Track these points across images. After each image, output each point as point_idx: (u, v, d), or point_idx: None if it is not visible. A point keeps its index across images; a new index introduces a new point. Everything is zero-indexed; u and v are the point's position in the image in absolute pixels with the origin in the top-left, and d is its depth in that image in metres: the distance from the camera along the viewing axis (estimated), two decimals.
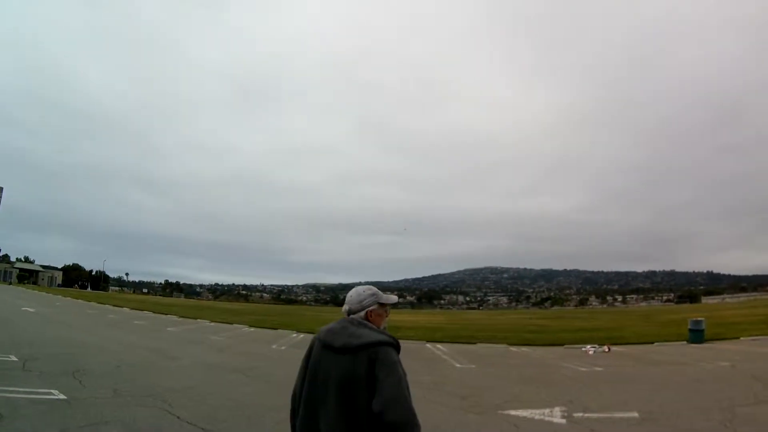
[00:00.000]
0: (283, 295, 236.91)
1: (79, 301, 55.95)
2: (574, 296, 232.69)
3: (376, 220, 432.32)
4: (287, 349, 21.65)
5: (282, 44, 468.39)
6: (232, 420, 8.87)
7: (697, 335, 25.00)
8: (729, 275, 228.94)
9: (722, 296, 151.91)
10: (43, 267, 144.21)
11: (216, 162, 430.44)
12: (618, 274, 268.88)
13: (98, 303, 53.06)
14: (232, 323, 36.36)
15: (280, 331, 31.54)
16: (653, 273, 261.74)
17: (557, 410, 10.06)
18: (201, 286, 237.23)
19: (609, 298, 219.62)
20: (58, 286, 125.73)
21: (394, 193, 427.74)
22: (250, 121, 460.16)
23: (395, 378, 2.81)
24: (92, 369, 13.07)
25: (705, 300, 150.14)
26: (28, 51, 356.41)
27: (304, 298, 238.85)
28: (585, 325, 40.94)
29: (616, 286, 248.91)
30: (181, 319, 38.41)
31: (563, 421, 9.35)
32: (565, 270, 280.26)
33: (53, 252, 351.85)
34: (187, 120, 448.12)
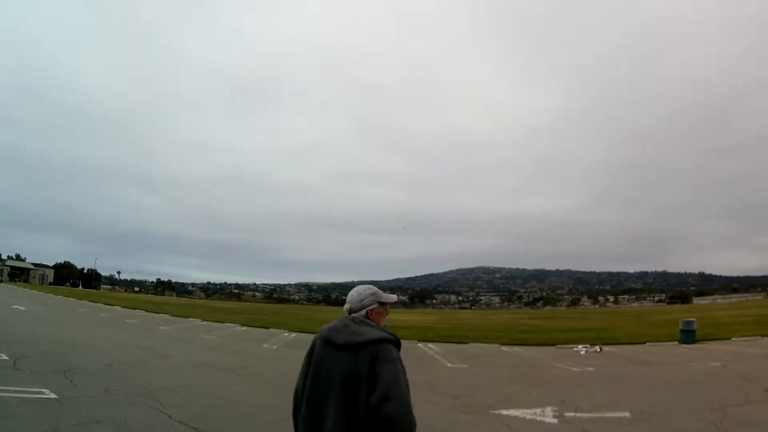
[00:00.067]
0: (275, 294, 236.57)
1: (71, 299, 55.72)
2: (567, 296, 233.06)
3: (369, 219, 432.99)
4: (279, 348, 21.64)
5: (279, 44, 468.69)
6: (224, 419, 8.85)
7: (688, 336, 25.10)
8: (721, 276, 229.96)
9: (714, 297, 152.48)
10: (35, 265, 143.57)
11: (209, 161, 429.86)
12: (610, 274, 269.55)
13: (89, 301, 52.87)
14: (224, 322, 36.27)
15: (272, 330, 31.49)
16: (645, 273, 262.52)
17: (549, 410, 10.07)
18: (193, 284, 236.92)
19: (601, 298, 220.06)
20: (50, 284, 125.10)
21: (387, 192, 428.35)
22: (245, 120, 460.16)
23: (393, 373, 2.85)
24: (83, 368, 13.03)
25: (696, 301, 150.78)
26: (27, 50, 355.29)
27: (297, 297, 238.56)
28: (577, 325, 41.07)
29: (608, 287, 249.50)
30: (172, 317, 38.33)
31: (555, 420, 9.37)
32: (558, 270, 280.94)
33: (45, 250, 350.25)
34: (181, 118, 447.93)
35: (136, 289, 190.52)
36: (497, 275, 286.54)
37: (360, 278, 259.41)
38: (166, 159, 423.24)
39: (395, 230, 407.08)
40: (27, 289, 75.41)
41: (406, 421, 2.76)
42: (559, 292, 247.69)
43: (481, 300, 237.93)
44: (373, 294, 3.24)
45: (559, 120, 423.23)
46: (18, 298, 47.38)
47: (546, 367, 17.63)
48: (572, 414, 9.81)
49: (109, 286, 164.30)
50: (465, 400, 11.45)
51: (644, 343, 25.92)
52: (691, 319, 26.15)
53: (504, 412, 9.97)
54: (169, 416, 8.62)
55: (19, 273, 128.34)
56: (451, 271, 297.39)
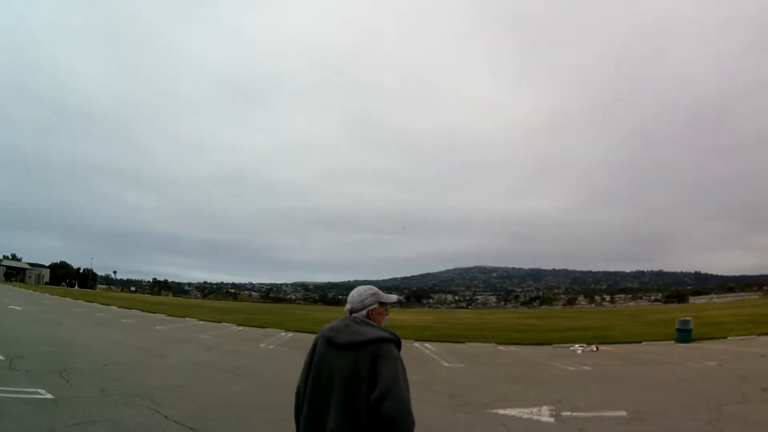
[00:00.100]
0: (271, 294, 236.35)
1: (67, 299, 55.58)
2: (563, 296, 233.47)
3: (366, 219, 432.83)
4: (276, 348, 21.61)
5: (278, 43, 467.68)
6: (221, 419, 8.84)
7: (684, 335, 25.15)
8: (717, 275, 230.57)
9: (710, 296, 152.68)
10: (31, 265, 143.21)
11: (206, 160, 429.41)
12: (606, 273, 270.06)
13: (86, 301, 52.76)
14: (220, 322, 36.25)
15: (268, 329, 31.45)
16: (641, 273, 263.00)
17: (545, 409, 10.08)
18: (189, 284, 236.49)
19: (597, 297, 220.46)
20: (46, 284, 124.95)
21: (384, 192, 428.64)
22: (243, 120, 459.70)
23: (394, 372, 2.90)
24: (80, 368, 13.01)
25: (692, 300, 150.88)
26: (22, 48, 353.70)
27: (293, 296, 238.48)
28: (573, 325, 41.08)
29: (604, 286, 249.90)
30: (169, 317, 38.25)
31: (551, 420, 9.38)
32: (554, 269, 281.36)
33: (41, 250, 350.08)
34: (179, 118, 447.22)
35: (133, 288, 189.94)
36: (494, 275, 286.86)
37: (356, 278, 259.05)
38: (163, 158, 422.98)
39: (392, 230, 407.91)
40: (23, 289, 75.22)
41: (406, 419, 2.81)
42: (556, 291, 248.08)
43: (478, 299, 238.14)
44: (373, 294, 3.30)
45: (556, 120, 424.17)
46: (14, 298, 47.28)
47: (542, 367, 17.63)
48: (569, 413, 9.82)
49: (105, 286, 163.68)
50: (462, 399, 11.45)
51: (640, 342, 25.95)
52: (687, 319, 26.21)
53: (501, 411, 9.97)
54: (166, 416, 8.61)
55: (15, 273, 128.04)
56: (448, 271, 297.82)
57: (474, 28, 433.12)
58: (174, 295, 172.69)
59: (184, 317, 38.57)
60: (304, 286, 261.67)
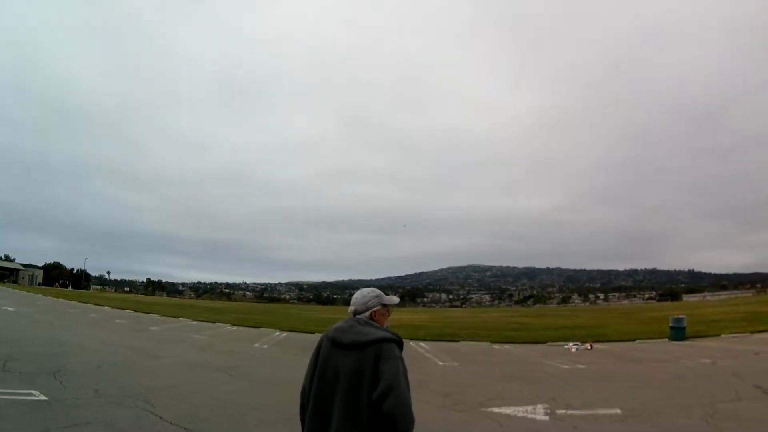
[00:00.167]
0: (265, 294, 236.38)
1: (60, 300, 55.42)
2: (557, 294, 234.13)
3: (360, 217, 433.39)
4: (270, 348, 21.57)
5: (277, 43, 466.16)
6: (215, 419, 8.82)
7: (678, 333, 25.25)
8: (710, 274, 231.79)
9: (703, 294, 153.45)
10: (24, 265, 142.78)
11: (201, 159, 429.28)
12: (600, 272, 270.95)
13: (79, 302, 52.59)
14: (214, 322, 36.17)
15: (262, 329, 31.42)
16: (635, 271, 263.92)
17: (540, 407, 10.09)
18: (183, 284, 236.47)
19: (591, 296, 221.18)
20: (39, 284, 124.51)
21: (379, 191, 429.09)
22: (239, 119, 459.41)
23: (395, 372, 3.02)
24: (73, 369, 12.95)
25: (686, 298, 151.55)
26: (22, 48, 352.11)
27: (287, 296, 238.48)
28: (567, 323, 41.17)
29: (598, 284, 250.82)
30: (163, 317, 38.18)
31: (546, 418, 9.39)
32: (548, 268, 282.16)
33: (34, 250, 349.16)
34: (171, 116, 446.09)
35: (127, 289, 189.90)
36: (488, 273, 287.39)
37: (351, 277, 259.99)
38: (158, 157, 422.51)
39: (387, 229, 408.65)
40: (16, 290, 74.95)
41: (406, 418, 2.92)
42: (550, 289, 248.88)
43: (472, 298, 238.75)
44: (376, 296, 3.46)
45: (553, 119, 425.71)
46: (7, 299, 47.01)
47: (537, 365, 17.66)
48: (563, 411, 9.83)
49: (98, 287, 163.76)
50: (456, 398, 11.46)
51: (634, 340, 26.05)
52: (680, 317, 26.32)
53: (495, 409, 9.98)
54: (160, 417, 8.59)
55: (7, 274, 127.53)
56: (442, 270, 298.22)
57: (474, 28, 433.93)
58: (168, 295, 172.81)
59: (178, 317, 38.47)
60: (298, 286, 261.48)
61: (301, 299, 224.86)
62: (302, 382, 3.43)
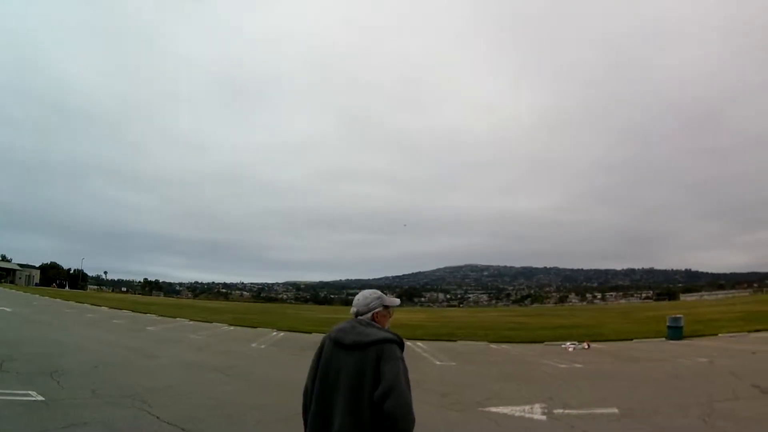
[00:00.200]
0: (263, 293, 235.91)
1: (57, 300, 55.23)
2: (554, 294, 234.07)
3: (358, 217, 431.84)
4: (267, 348, 21.58)
5: (276, 43, 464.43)
6: (212, 419, 8.82)
7: (675, 332, 25.27)
8: (707, 273, 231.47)
9: (700, 294, 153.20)
10: (21, 266, 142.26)
11: (199, 159, 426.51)
12: (597, 271, 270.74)
13: (76, 302, 52.44)
14: (211, 322, 36.15)
15: (259, 329, 31.38)
16: (632, 271, 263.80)
17: (537, 407, 10.11)
18: (180, 284, 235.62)
19: (588, 295, 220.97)
20: (36, 285, 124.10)
21: (377, 191, 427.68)
22: (234, 118, 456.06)
23: (396, 372, 3.09)
24: (70, 369, 12.95)
25: (683, 297, 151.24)
26: (21, 48, 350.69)
27: (285, 296, 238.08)
28: (565, 323, 41.16)
29: (595, 284, 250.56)
30: (160, 317, 38.12)
31: (543, 417, 9.40)
32: (545, 268, 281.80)
33: (31, 250, 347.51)
34: (169, 115, 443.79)
35: (123, 289, 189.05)
36: (485, 273, 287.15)
37: (348, 277, 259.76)
38: (155, 157, 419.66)
39: (384, 229, 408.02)
40: (13, 290, 74.75)
41: (407, 418, 3.00)
42: (547, 289, 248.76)
43: (469, 298, 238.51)
44: (378, 298, 3.53)
45: (552, 119, 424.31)
46: (4, 300, 46.88)
47: (534, 365, 17.67)
48: (561, 411, 9.85)
49: (95, 287, 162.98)
50: (454, 397, 11.47)
51: (632, 339, 26.08)
52: (678, 316, 26.34)
53: (493, 409, 9.99)
54: (157, 417, 8.58)
55: (4, 274, 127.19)
56: (439, 269, 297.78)
57: (474, 28, 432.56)
58: (165, 295, 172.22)
59: (175, 317, 38.41)
60: (295, 286, 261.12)
61: (298, 299, 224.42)
62: (305, 382, 3.49)
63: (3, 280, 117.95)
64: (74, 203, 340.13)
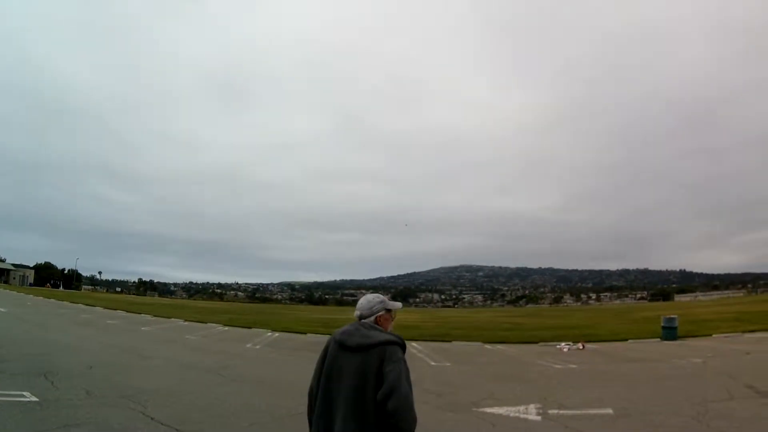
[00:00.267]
0: (258, 294, 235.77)
1: (51, 300, 55.10)
2: (549, 294, 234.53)
3: (352, 218, 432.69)
4: (262, 348, 21.54)
5: (266, 42, 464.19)
6: (207, 420, 8.80)
7: (670, 332, 25.35)
8: (701, 274, 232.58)
9: (695, 294, 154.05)
10: (15, 266, 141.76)
11: (193, 158, 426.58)
12: (592, 272, 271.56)
13: (70, 302, 52.31)
14: (206, 322, 36.03)
15: (254, 329, 31.32)
16: (627, 271, 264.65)
17: (532, 407, 10.11)
18: (175, 284, 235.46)
19: (583, 296, 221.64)
20: (30, 285, 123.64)
21: (372, 191, 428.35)
22: (229, 118, 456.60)
23: (398, 373, 3.24)
24: (64, 370, 12.89)
25: (678, 298, 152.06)
26: (9, 43, 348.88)
27: (279, 296, 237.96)
28: (559, 323, 41.27)
29: (590, 285, 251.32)
30: (154, 318, 38.05)
31: (538, 418, 9.40)
32: (540, 268, 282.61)
33: (25, 250, 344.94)
34: (164, 115, 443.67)
35: (118, 289, 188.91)
36: (480, 273, 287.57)
37: (343, 277, 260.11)
38: (149, 156, 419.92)
39: (379, 229, 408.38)
40: (7, 291, 74.49)
41: (408, 417, 3.17)
42: (542, 290, 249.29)
43: (464, 298, 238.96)
44: (381, 302, 3.67)
45: (545, 119, 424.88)
46: None
47: (529, 365, 17.70)
48: (556, 411, 9.85)
49: (90, 287, 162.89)
50: (449, 398, 11.47)
51: (626, 340, 26.13)
52: (672, 316, 26.41)
53: (488, 410, 9.99)
54: (152, 418, 8.56)
55: None
56: (434, 270, 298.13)
57: (465, 27, 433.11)
58: (160, 295, 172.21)
59: (170, 318, 38.36)
60: (290, 286, 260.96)
61: (293, 299, 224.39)
62: (308, 383, 3.60)
63: None
64: (69, 203, 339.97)
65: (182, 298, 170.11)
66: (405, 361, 3.39)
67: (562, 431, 8.64)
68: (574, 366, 17.10)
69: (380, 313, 3.63)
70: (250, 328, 32.39)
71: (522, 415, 9.56)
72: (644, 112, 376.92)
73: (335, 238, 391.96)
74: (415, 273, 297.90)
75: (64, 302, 51.93)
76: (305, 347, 22.26)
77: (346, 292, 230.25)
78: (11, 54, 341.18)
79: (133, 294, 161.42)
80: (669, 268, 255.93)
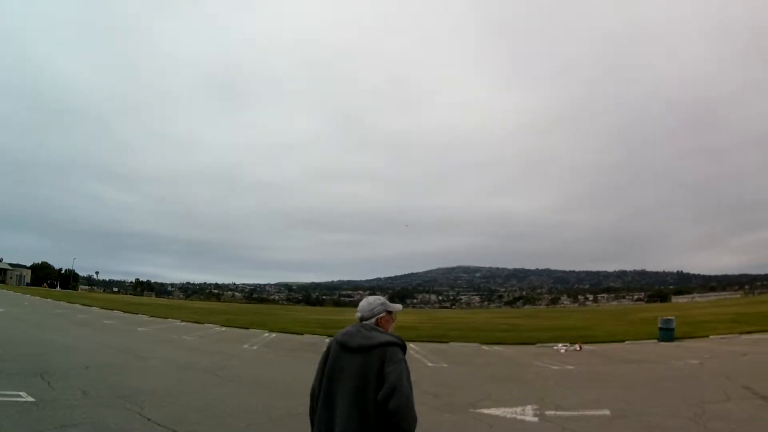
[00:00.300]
0: (255, 294, 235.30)
1: (48, 300, 55.01)
2: (546, 295, 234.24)
3: (350, 218, 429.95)
4: (259, 349, 21.55)
5: (264, 41, 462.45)
6: (204, 421, 8.80)
7: (667, 334, 25.34)
8: (699, 275, 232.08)
9: (692, 295, 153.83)
10: (12, 265, 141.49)
11: (191, 158, 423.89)
12: (589, 273, 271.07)
13: (67, 302, 52.23)
14: (203, 323, 36.01)
15: (251, 330, 31.32)
16: (624, 272, 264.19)
17: (529, 409, 10.12)
18: (172, 285, 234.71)
19: (580, 297, 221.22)
20: (27, 284, 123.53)
21: (369, 191, 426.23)
22: (226, 117, 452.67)
23: (398, 373, 3.33)
24: (61, 370, 12.88)
25: (675, 299, 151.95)
26: (7, 43, 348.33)
27: (276, 297, 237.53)
28: (557, 324, 41.28)
29: (587, 286, 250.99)
30: (151, 318, 38.00)
31: (535, 419, 9.41)
32: (537, 269, 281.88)
33: (22, 250, 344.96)
34: (162, 115, 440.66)
35: (115, 289, 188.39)
36: (477, 274, 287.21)
37: (340, 278, 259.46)
38: (146, 156, 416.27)
39: (376, 229, 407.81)
40: (4, 290, 74.38)
41: (408, 415, 3.25)
42: (539, 291, 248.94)
43: (462, 299, 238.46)
44: (381, 304, 3.76)
45: (544, 119, 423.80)
46: None
47: (526, 366, 17.71)
48: (552, 412, 9.86)
49: (87, 287, 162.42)
50: (446, 399, 11.48)
51: (623, 341, 26.12)
52: (669, 318, 26.41)
53: (485, 411, 10.00)
54: (148, 419, 8.55)
55: None
56: (432, 271, 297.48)
57: (464, 27, 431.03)
58: (157, 295, 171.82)
59: (167, 318, 38.31)
60: (287, 287, 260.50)
61: (290, 300, 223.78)
62: (307, 383, 3.69)
63: None
64: (66, 202, 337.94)
65: (179, 299, 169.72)
66: (405, 362, 3.47)
67: None
68: (571, 367, 17.10)
69: (381, 315, 3.71)
70: (247, 328, 32.38)
71: (519, 416, 9.57)
72: (644, 112, 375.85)
73: (333, 239, 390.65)
74: (412, 274, 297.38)
75: (61, 302, 51.87)
76: (302, 348, 22.26)
77: (344, 292, 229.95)
78: (11, 54, 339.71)
79: (130, 294, 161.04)
80: (666, 270, 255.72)
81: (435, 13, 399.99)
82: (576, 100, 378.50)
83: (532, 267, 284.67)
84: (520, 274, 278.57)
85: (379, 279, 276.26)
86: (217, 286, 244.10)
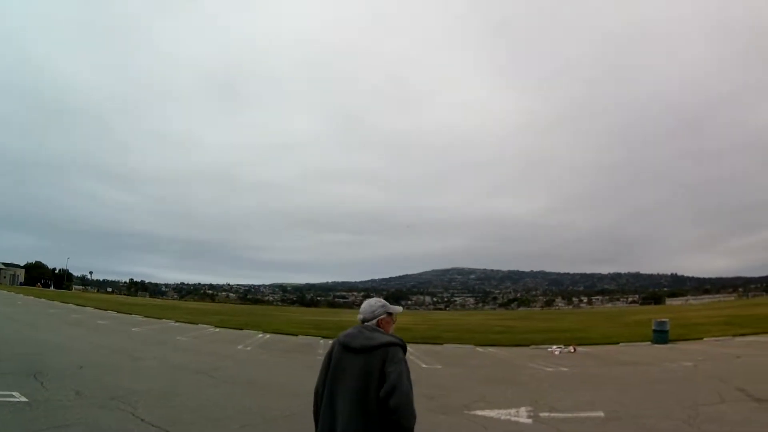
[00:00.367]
0: (249, 295, 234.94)
1: (42, 299, 54.83)
2: (541, 297, 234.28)
3: (344, 218, 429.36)
4: (253, 350, 21.53)
5: (264, 41, 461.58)
6: (198, 422, 8.78)
7: (661, 336, 25.38)
8: (693, 277, 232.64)
9: (686, 298, 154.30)
10: (5, 265, 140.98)
11: (186, 158, 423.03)
12: (584, 275, 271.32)
13: (61, 302, 52.05)
14: (197, 323, 35.96)
15: (246, 331, 31.29)
16: (618, 275, 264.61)
17: (523, 410, 10.12)
18: (166, 285, 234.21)
19: (575, 299, 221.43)
20: (20, 284, 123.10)
21: (364, 192, 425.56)
22: (226, 117, 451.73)
23: (399, 372, 3.47)
24: (54, 370, 12.83)
25: (669, 301, 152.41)
26: (6, 42, 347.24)
27: (271, 298, 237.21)
28: (551, 326, 41.38)
29: (581, 288, 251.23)
30: (145, 318, 37.90)
31: (529, 421, 9.42)
32: (532, 271, 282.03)
33: (15, 249, 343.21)
34: (162, 115, 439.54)
35: (109, 289, 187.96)
36: (472, 276, 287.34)
37: (335, 279, 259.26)
38: (141, 155, 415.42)
39: (371, 230, 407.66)
40: None
41: (408, 413, 3.39)
42: (534, 293, 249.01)
43: (456, 301, 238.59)
44: (382, 306, 3.90)
45: (544, 119, 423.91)
46: None
47: (520, 368, 17.73)
48: (547, 414, 9.87)
49: (81, 287, 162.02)
50: (440, 401, 11.47)
51: (617, 343, 26.17)
52: (663, 320, 26.45)
53: (479, 412, 10.00)
54: (142, 419, 8.53)
55: None
56: (426, 272, 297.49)
57: (464, 27, 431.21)
58: (151, 296, 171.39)
59: (161, 319, 38.25)
60: (282, 287, 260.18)
61: (284, 301, 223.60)
62: (305, 384, 3.91)
63: None
64: (60, 202, 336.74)
65: (173, 299, 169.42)
66: (406, 362, 3.60)
67: None
68: (565, 369, 17.12)
69: (382, 317, 3.83)
70: (241, 329, 32.35)
71: (513, 418, 9.58)
72: (644, 112, 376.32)
73: (327, 240, 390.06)
74: (406, 275, 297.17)
75: (55, 302, 51.69)
76: (296, 349, 22.26)
77: (338, 293, 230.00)
78: (11, 54, 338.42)
79: (124, 294, 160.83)
80: (661, 272, 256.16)
81: (435, 13, 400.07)
82: (576, 100, 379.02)
83: (527, 269, 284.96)
84: (514, 276, 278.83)
85: (373, 280, 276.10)
86: (211, 286, 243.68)
